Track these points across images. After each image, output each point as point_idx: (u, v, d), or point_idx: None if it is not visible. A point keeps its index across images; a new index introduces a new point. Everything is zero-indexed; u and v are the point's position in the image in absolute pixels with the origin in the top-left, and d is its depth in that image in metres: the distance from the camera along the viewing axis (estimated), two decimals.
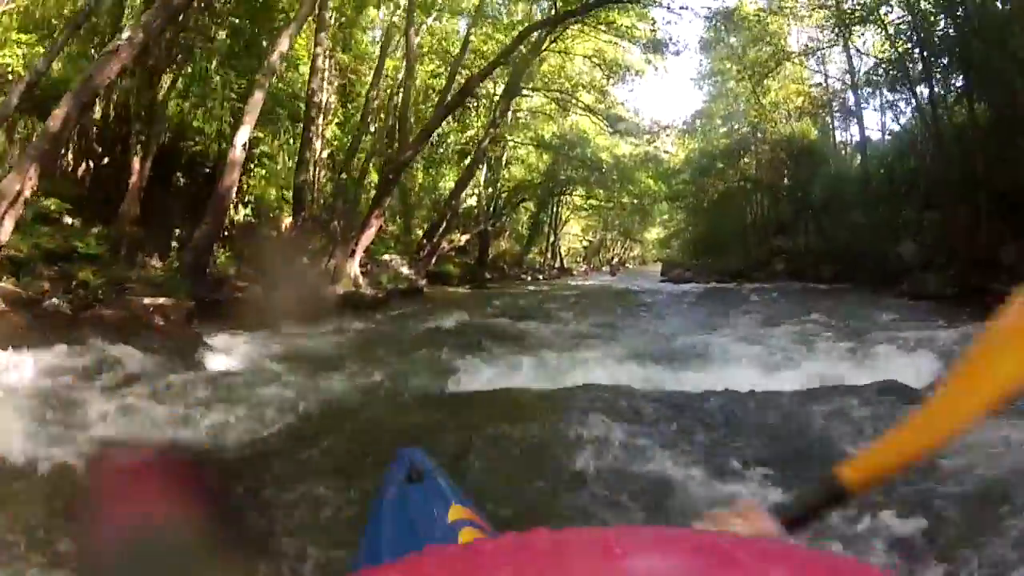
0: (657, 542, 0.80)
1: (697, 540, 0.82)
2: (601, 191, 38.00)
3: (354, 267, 17.81)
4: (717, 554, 0.73)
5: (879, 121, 35.61)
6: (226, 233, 17.16)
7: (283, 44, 15.30)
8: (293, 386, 7.00)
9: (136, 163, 14.95)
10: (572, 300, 21.54)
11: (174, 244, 15.50)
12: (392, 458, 2.14)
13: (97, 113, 15.84)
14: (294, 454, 4.80)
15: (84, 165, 16.26)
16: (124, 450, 4.77)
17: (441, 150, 31.79)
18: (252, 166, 17.07)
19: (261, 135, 17.39)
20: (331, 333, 11.67)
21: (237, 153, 13.93)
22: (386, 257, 22.23)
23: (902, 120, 31.48)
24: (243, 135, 14.03)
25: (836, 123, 39.23)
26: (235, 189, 14.69)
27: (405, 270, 21.51)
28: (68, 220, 14.42)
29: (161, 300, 10.85)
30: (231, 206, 16.67)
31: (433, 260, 24.39)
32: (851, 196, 31.58)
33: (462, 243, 30.80)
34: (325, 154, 23.12)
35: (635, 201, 38.72)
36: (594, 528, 1.10)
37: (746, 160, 40.42)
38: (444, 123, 29.84)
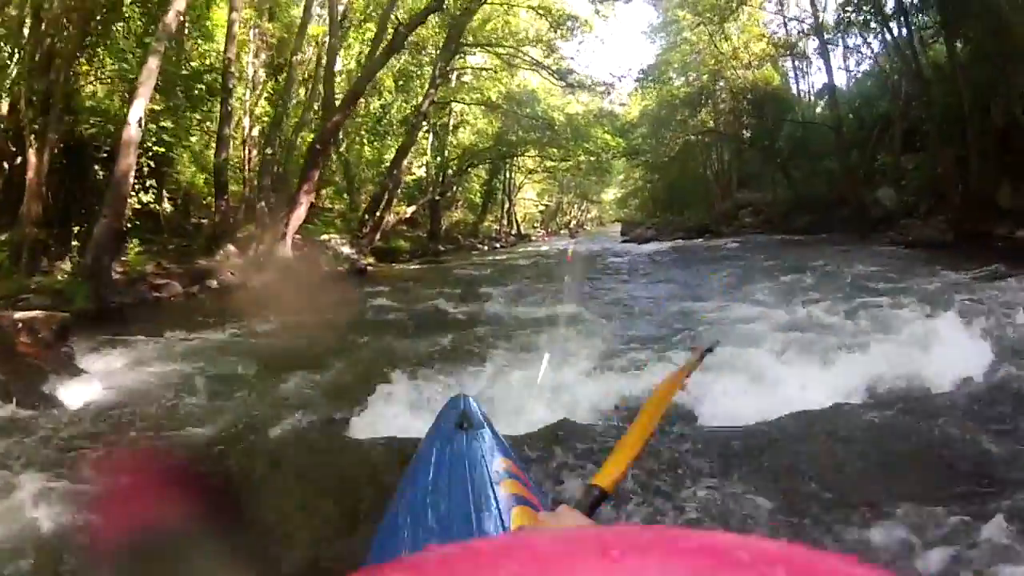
0: (657, 542, 0.70)
1: (697, 540, 0.70)
2: (556, 150, 35.72)
3: (285, 251, 15.73)
4: (717, 554, 0.64)
5: (842, 66, 33.60)
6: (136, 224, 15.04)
7: (179, 2, 13.10)
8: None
9: (32, 156, 12.78)
10: (531, 270, 19.87)
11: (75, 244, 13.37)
12: (444, 405, 2.39)
13: (3, 108, 13.93)
14: None
15: None
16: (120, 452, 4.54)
17: (384, 121, 29.60)
18: (159, 148, 14.72)
19: (165, 111, 15.09)
20: (232, 336, 9.64)
21: (132, 132, 11.78)
22: (324, 237, 20.03)
23: (868, 63, 30.62)
24: (137, 110, 11.88)
25: (798, 69, 37.73)
26: (132, 174, 12.47)
27: (346, 250, 19.37)
28: None
29: (34, 313, 8.84)
30: (152, 196, 14.70)
31: (377, 236, 22.19)
32: (820, 143, 30.46)
33: (408, 215, 28.70)
34: (255, 131, 21.02)
35: (592, 159, 36.59)
36: (594, 527, 1.11)
37: (706, 111, 38.65)
38: (388, 93, 27.82)
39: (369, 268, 20.26)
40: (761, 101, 33.53)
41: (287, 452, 4.62)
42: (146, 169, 14.53)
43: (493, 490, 1.73)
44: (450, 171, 33.81)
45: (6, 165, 13.69)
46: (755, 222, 33.83)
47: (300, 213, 16.28)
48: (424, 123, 26.39)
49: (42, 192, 12.57)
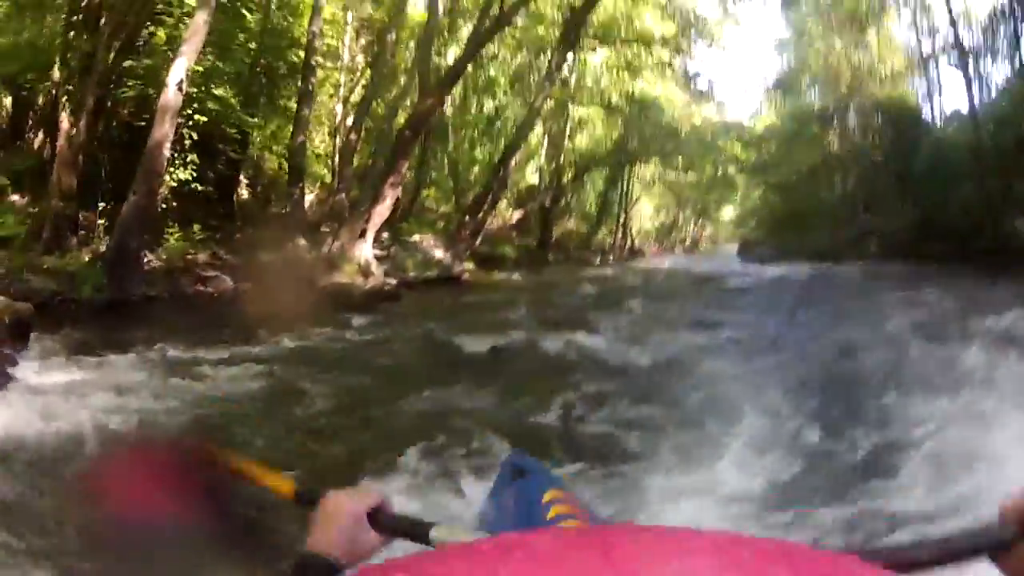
0: (658, 541, 0.79)
1: (699, 539, 0.79)
2: (680, 159, 32.96)
3: (364, 250, 13.82)
4: (719, 552, 0.72)
5: (983, 85, 30.33)
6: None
7: None
8: None
9: (65, 121, 11.26)
10: (649, 291, 17.45)
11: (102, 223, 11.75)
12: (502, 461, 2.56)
13: (56, 75, 12.82)
14: None
15: (41, 133, 13.69)
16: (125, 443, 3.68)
17: (498, 124, 27.68)
18: (200, 117, 12.92)
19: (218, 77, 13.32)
20: (238, 354, 7.65)
21: (170, 96, 10.21)
22: (416, 238, 18.07)
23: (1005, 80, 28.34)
24: (178, 71, 10.30)
25: (931, 88, 34.48)
26: (168, 146, 10.71)
27: (439, 253, 17.49)
28: (14, 197, 12.24)
29: None
30: (191, 174, 12.96)
31: (478, 241, 20.18)
32: (958, 167, 27.94)
33: (515, 221, 26.67)
34: (349, 121, 19.32)
35: (717, 171, 33.88)
36: (595, 527, 1.24)
37: (837, 129, 35.77)
38: (504, 93, 25.96)
39: (466, 275, 18.34)
40: (895, 120, 30.53)
41: None
42: (187, 142, 12.74)
43: (544, 513, 1.84)
44: (565, 178, 31.65)
45: (46, 132, 12.35)
46: (880, 249, 31.52)
47: (384, 208, 14.39)
48: (538, 122, 24.19)
49: (76, 162, 10.99)
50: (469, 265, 19.54)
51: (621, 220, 48.04)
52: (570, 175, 31.87)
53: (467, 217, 19.84)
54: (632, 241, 51.83)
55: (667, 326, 10.16)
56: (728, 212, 71.81)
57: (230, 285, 11.66)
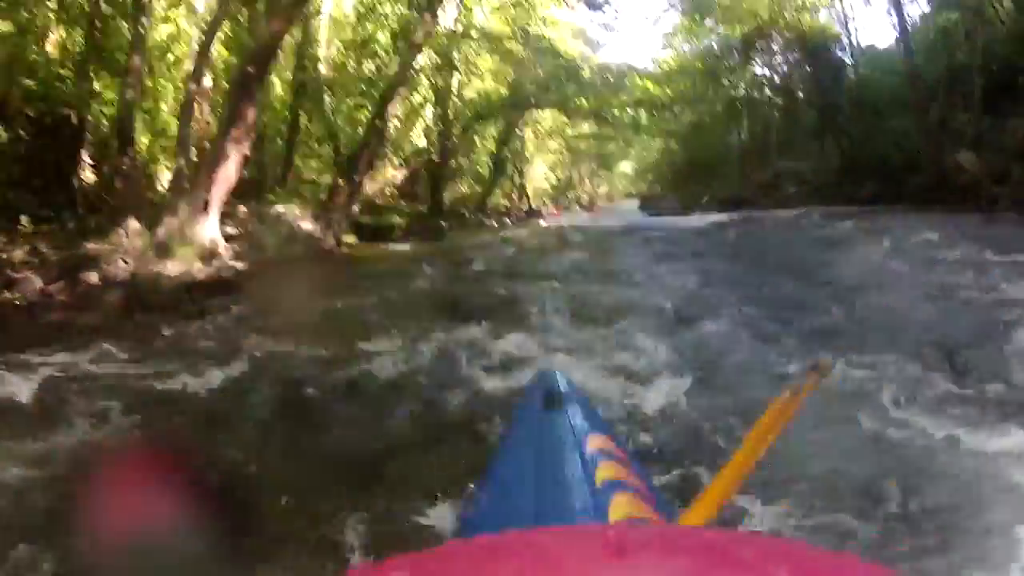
0: (659, 540, 0.80)
1: (700, 538, 0.81)
2: (585, 100, 30.07)
3: (208, 228, 10.92)
4: (720, 552, 0.73)
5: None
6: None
7: None
8: None
9: None
10: (563, 256, 15.07)
11: None
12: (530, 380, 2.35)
13: None
14: None
15: None
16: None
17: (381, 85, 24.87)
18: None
19: None
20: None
21: None
22: (279, 209, 15.06)
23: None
24: None
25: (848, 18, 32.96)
26: None
27: (308, 226, 14.62)
28: None
29: None
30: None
31: (355, 207, 17.26)
32: (884, 100, 26.57)
33: (400, 183, 23.91)
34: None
35: (629, 110, 31.22)
36: (597, 525, 1.16)
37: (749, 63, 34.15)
38: (386, 52, 23.13)
39: (345, 249, 15.75)
40: (815, 52, 28.85)
41: None
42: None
43: (589, 475, 1.49)
44: (453, 134, 28.82)
45: None
46: (800, 192, 29.90)
47: (228, 172, 11.08)
48: (419, 60, 21.11)
49: None
50: (349, 238, 16.80)
51: (516, 181, 45.62)
52: (457, 130, 29.05)
53: (341, 181, 16.93)
54: (529, 202, 49.50)
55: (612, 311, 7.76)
56: (625, 167, 71.14)
57: (38, 287, 8.92)
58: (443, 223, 24.39)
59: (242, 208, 13.63)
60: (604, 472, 1.51)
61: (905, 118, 24.49)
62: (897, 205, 20.76)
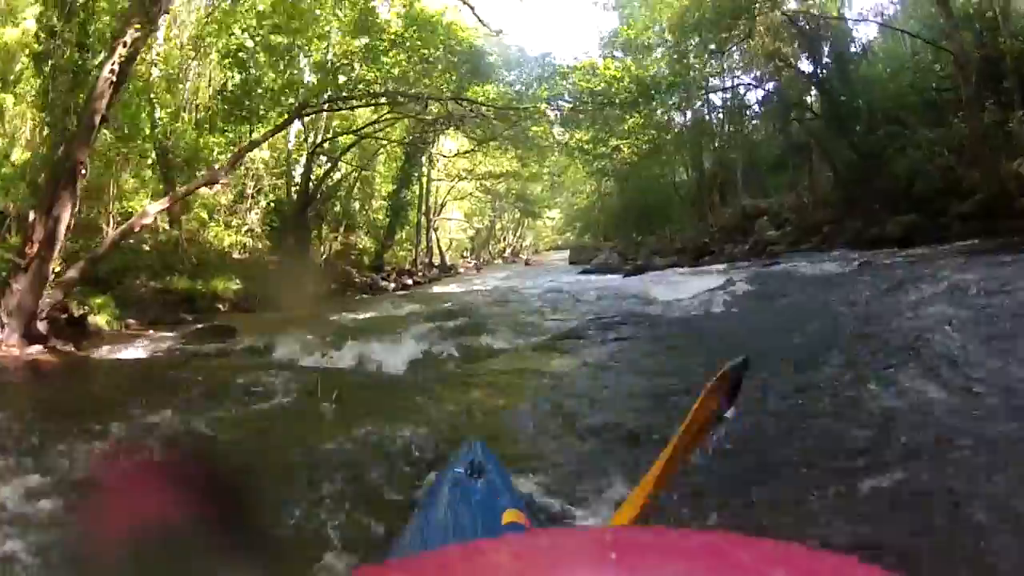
0: (658, 542, 0.79)
1: (698, 540, 0.80)
2: (493, 95, 21.26)
3: None
4: (718, 554, 0.72)
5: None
6: None
7: None
8: None
9: None
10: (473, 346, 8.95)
11: None
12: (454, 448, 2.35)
13: None
14: None
15: None
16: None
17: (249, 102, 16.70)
18: None
19: None
20: None
21: None
22: None
23: None
24: None
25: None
26: None
27: None
28: None
29: None
30: None
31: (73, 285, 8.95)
32: (908, 102, 20.05)
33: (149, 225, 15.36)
34: None
35: (592, 103, 21.79)
36: (595, 528, 1.28)
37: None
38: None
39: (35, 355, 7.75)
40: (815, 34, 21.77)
41: None
42: None
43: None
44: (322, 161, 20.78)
45: None
46: (783, 235, 23.47)
47: None
48: None
49: None
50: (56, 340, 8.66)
51: (425, 230, 37.38)
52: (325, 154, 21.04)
53: (34, 241, 8.31)
54: (443, 256, 41.54)
55: None
56: (549, 218, 66.24)
57: None
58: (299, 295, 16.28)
59: None
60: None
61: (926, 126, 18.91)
62: (943, 244, 14.70)
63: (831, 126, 20.85)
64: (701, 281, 14.31)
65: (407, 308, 15.54)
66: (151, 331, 11.64)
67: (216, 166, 14.41)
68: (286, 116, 16.43)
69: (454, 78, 19.63)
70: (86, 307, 10.92)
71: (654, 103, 25.17)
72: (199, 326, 11.59)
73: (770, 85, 27.30)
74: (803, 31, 21.72)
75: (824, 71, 21.81)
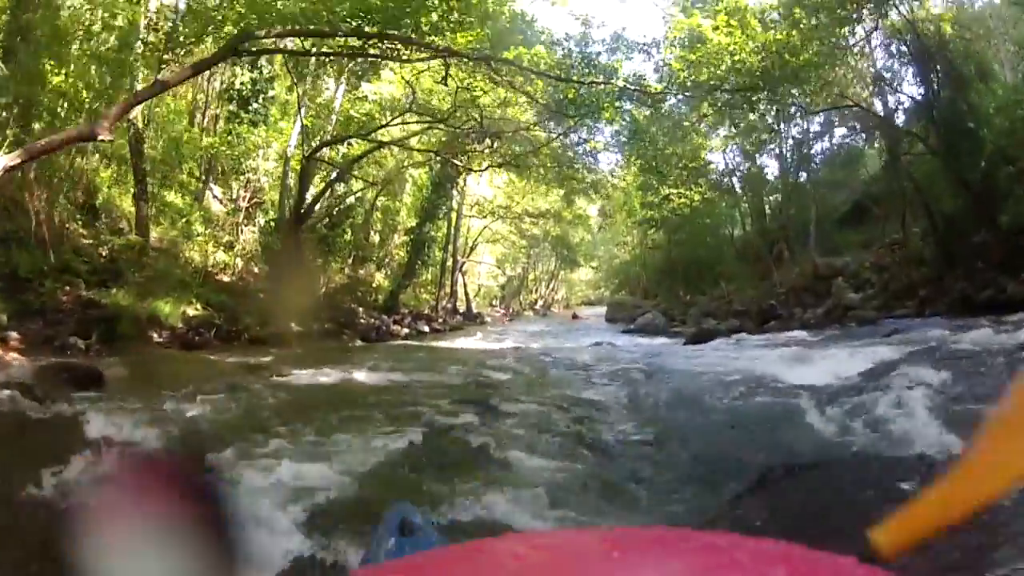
0: (657, 543, 0.78)
1: (697, 541, 0.79)
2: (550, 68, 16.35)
3: None
4: (717, 555, 0.72)
5: None
6: None
7: None
8: None
9: None
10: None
11: None
12: (386, 511, 2.14)
13: None
14: None
15: None
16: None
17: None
18: None
19: None
20: None
21: None
22: None
23: None
24: None
25: None
26: None
27: None
28: None
29: None
30: None
31: None
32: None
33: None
34: None
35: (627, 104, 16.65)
36: (594, 529, 1.18)
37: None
38: None
39: None
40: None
41: None
42: None
43: None
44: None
45: None
46: (866, 298, 20.08)
47: None
48: None
49: None
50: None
51: (451, 271, 33.65)
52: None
53: None
54: (468, 302, 37.79)
55: None
56: (582, 274, 64.49)
57: None
58: (294, 331, 12.66)
59: None
60: None
61: None
62: None
63: (948, 164, 16.83)
64: (817, 356, 10.25)
65: (398, 373, 10.88)
66: None
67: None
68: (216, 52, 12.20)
69: (487, 33, 14.81)
70: None
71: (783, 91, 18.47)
72: (56, 360, 8.06)
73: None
74: (912, 47, 17.87)
75: (938, 95, 17.83)
